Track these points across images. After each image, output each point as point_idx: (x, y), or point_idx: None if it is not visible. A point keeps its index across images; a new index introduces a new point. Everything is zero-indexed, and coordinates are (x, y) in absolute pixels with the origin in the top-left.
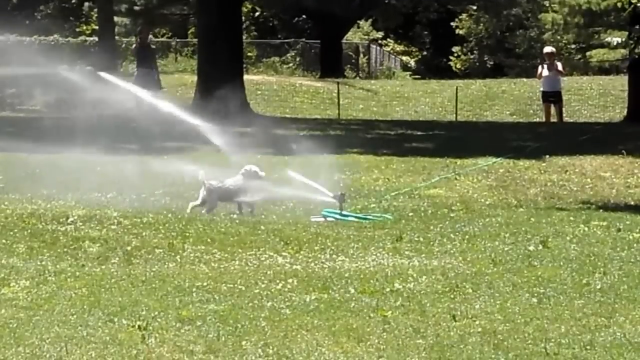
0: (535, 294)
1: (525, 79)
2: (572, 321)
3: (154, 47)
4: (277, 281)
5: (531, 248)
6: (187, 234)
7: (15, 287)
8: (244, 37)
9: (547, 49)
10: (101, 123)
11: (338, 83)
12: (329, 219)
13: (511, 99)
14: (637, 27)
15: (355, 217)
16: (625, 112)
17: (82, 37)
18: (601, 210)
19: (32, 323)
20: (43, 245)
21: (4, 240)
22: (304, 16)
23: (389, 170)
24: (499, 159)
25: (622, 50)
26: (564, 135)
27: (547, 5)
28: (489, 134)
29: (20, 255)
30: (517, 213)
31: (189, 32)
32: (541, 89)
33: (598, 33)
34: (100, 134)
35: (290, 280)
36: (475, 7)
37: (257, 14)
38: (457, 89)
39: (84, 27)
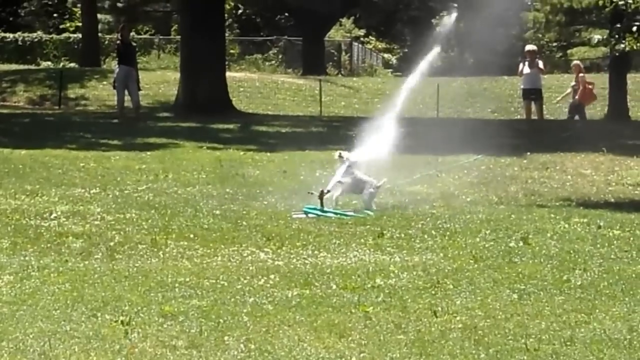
0: (516, 290)
1: (506, 77)
2: (552, 317)
3: (135, 44)
4: (260, 277)
5: (512, 244)
6: (170, 230)
7: None
8: (226, 34)
9: (529, 47)
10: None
11: (320, 80)
12: (310, 215)
13: (492, 96)
14: (618, 25)
15: (337, 213)
16: (606, 109)
17: (66, 34)
18: (581, 207)
19: (15, 318)
20: (26, 241)
21: None
22: (286, 14)
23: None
24: (480, 156)
25: (603, 48)
26: (544, 133)
27: (529, 3)
28: (470, 131)
29: (3, 251)
30: (497, 210)
31: (172, 29)
32: (522, 86)
33: (579, 31)
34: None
35: (272, 276)
36: (456, 5)
37: (239, 11)
38: (438, 86)
39: (68, 24)
